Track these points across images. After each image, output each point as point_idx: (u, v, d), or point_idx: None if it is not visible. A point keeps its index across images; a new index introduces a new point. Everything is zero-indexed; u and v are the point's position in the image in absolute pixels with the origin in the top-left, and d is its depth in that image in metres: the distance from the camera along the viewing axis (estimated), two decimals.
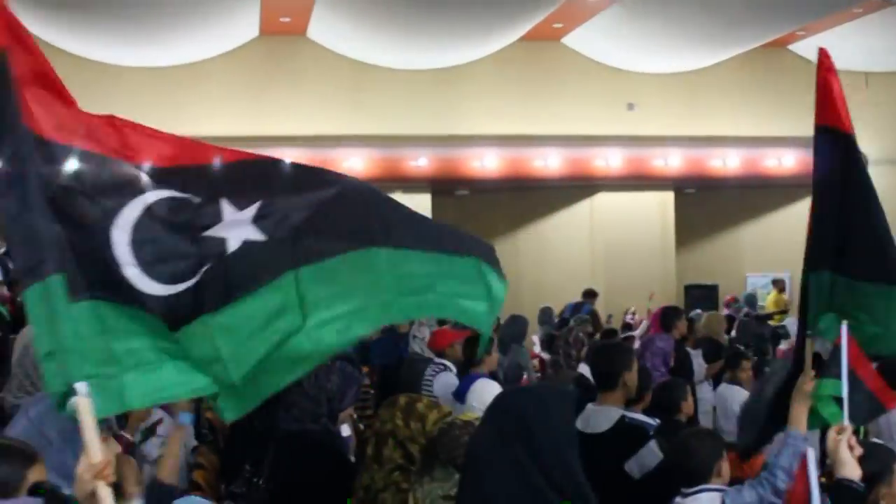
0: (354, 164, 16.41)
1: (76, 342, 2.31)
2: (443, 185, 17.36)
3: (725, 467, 3.89)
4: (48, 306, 2.32)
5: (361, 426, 5.87)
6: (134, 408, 2.67)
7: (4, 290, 11.33)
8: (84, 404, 2.22)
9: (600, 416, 4.53)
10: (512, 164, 17.02)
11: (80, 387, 2.25)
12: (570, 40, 17.47)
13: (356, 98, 16.71)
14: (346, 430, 4.98)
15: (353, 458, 4.89)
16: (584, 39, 17.19)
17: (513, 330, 9.18)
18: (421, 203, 17.35)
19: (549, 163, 17.00)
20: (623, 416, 4.51)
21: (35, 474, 1.97)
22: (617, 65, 17.70)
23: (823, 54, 3.60)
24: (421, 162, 16.62)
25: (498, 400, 2.71)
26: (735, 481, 3.95)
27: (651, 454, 4.30)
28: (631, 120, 17.67)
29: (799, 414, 3.65)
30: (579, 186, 17.82)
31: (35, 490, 1.54)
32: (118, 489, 3.39)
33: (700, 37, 16.40)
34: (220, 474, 6.01)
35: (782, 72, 18.25)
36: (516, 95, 17.27)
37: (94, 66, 15.78)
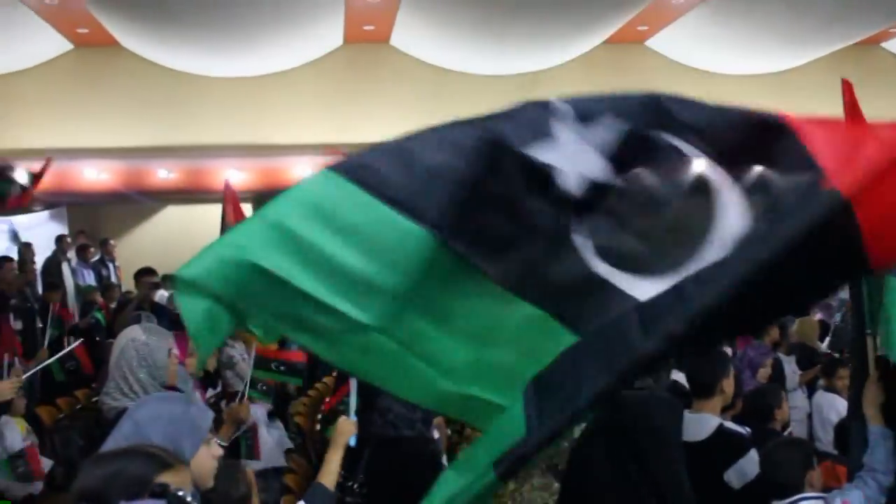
0: None
1: None
2: None
3: (817, 477, 3.79)
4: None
5: (449, 431, 5.85)
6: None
7: (98, 297, 11.64)
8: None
9: (698, 425, 4.43)
10: None
11: None
12: (654, 43, 17.26)
13: (440, 104, 16.73)
14: (435, 435, 4.98)
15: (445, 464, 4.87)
16: (670, 41, 16.98)
17: None
18: None
19: None
20: (721, 425, 4.41)
21: (166, 479, 1.99)
22: (703, 66, 17.42)
23: None
24: None
25: (608, 414, 2.65)
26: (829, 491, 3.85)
27: (751, 464, 4.19)
28: None
29: (873, 412, 3.54)
30: None
31: (160, 492, 1.54)
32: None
33: (788, 36, 16.06)
34: (312, 478, 6.07)
35: (874, 71, 17.72)
36: None
37: (183, 76, 16.10)
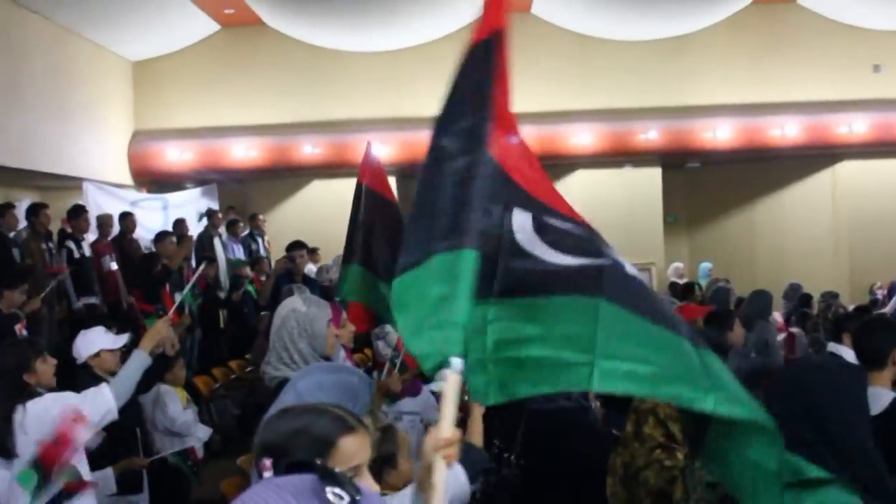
0: (583, 139, 16.24)
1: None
2: (673, 158, 16.91)
3: None
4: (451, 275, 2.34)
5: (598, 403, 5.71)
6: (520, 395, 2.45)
7: (248, 271, 11.91)
8: (454, 379, 2.22)
9: (871, 398, 4.17)
10: (746, 133, 16.32)
11: (456, 362, 2.23)
12: (806, 0, 16.52)
13: (583, 73, 16.48)
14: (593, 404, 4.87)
15: None
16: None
17: (758, 305, 8.75)
18: (651, 177, 16.96)
19: (786, 131, 16.18)
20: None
21: (348, 442, 1.96)
22: (859, 23, 16.57)
23: None
24: (651, 135, 16.22)
25: (782, 376, 2.50)
26: None
27: None
28: (877, 82, 16.51)
29: None
30: (820, 155, 16.89)
31: (308, 466, 1.48)
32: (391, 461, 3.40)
33: None
34: None
35: (792, 29, 16.69)
36: (750, 62, 16.50)
37: (326, 53, 16.28)
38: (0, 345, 4.82)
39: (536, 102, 16.11)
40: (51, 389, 4.66)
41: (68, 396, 4.27)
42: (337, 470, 1.44)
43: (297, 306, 3.95)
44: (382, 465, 3.28)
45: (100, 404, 4.25)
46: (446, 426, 2.16)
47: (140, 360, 4.46)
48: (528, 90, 16.33)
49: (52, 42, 13.98)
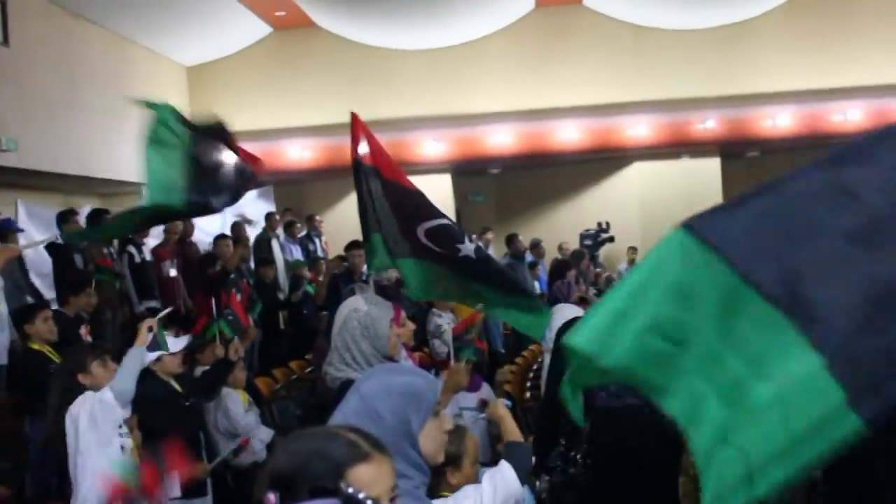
0: (640, 130, 16.07)
1: None
2: (732, 148, 16.66)
3: None
4: None
5: None
6: None
7: (306, 271, 11.92)
8: None
9: None
10: (807, 120, 16.02)
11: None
12: None
13: (638, 63, 16.28)
14: None
15: None
16: None
17: None
18: (710, 167, 16.72)
19: (848, 116, 15.86)
20: None
21: (362, 471, 1.85)
22: None
23: None
24: (708, 124, 16.00)
25: None
26: None
27: None
28: None
29: None
30: None
31: (333, 491, 1.41)
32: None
33: None
34: (533, 446, 5.95)
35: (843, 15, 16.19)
36: (810, 47, 16.17)
37: (378, 52, 16.30)
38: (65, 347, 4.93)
39: (591, 95, 15.98)
40: None
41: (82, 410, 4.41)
42: (362, 496, 1.36)
43: (358, 306, 3.89)
44: (446, 466, 3.21)
45: (107, 411, 4.37)
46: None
47: (136, 355, 4.48)
48: (582, 83, 16.20)
49: (110, 51, 14.16)
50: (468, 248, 5.19)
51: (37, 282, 11.30)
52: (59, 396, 4.50)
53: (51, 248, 9.67)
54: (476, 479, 3.20)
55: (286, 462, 1.84)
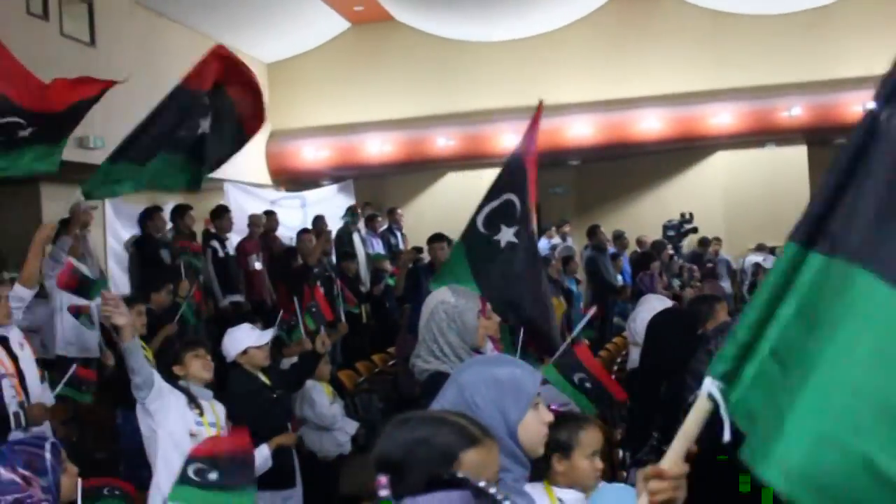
0: (723, 119, 15.79)
1: None
2: (819, 135, 16.22)
3: None
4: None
5: None
6: None
7: (388, 265, 11.95)
8: (703, 406, 1.74)
9: None
10: None
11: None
12: None
13: (719, 50, 15.99)
14: None
15: None
16: None
17: None
18: (796, 155, 16.35)
19: None
20: None
21: (471, 456, 1.80)
22: None
23: None
24: (794, 111, 15.61)
25: None
26: None
27: None
28: None
29: None
30: None
31: (459, 483, 1.36)
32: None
33: None
34: (623, 442, 5.87)
35: None
36: None
37: (455, 45, 16.27)
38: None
39: (672, 83, 15.74)
40: (206, 385, 4.79)
41: None
42: (493, 489, 1.31)
43: (445, 297, 3.86)
44: (553, 452, 3.12)
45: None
46: (671, 457, 1.80)
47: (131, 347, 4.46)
48: (662, 71, 15.97)
49: (192, 49, 14.25)
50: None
51: (122, 278, 11.56)
52: None
53: (137, 242, 9.84)
54: (589, 475, 3.08)
55: (394, 449, 1.82)
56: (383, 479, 1.49)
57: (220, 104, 5.32)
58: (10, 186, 12.22)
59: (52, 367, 7.78)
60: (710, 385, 1.70)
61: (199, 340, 5.03)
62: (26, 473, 3.15)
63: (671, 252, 14.08)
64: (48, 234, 5.61)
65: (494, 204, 5.02)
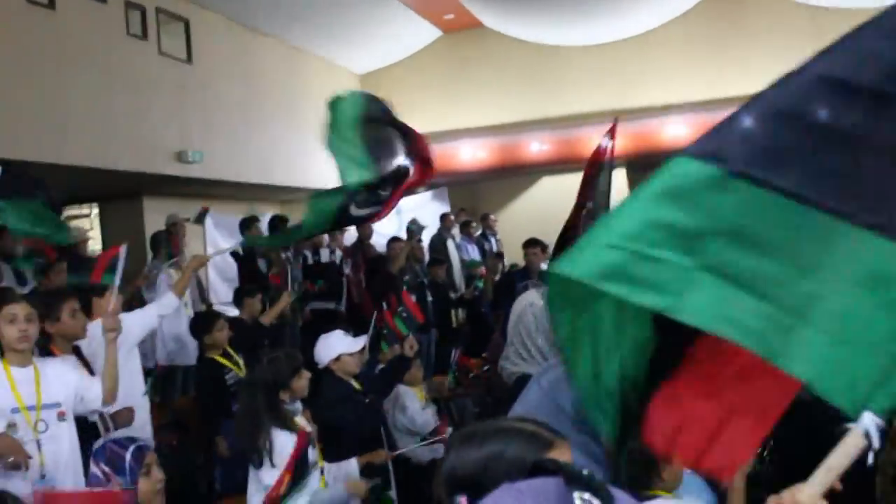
0: None
1: None
2: None
3: None
4: None
5: None
6: None
7: (483, 271, 11.95)
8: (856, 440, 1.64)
9: None
10: None
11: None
12: None
13: (822, 45, 15.54)
14: None
15: None
16: None
17: None
18: None
19: None
20: None
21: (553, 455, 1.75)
22: None
23: None
24: None
25: None
26: None
27: None
28: None
29: None
30: None
31: (553, 469, 1.32)
32: None
33: None
34: None
35: None
36: None
37: (547, 49, 16.19)
38: (263, 358, 4.99)
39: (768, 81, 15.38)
40: (302, 400, 4.81)
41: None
42: (585, 472, 1.28)
43: (533, 300, 3.84)
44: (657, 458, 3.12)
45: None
46: (811, 492, 1.68)
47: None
48: (760, 69, 15.48)
49: (285, 61, 14.60)
50: None
51: (221, 287, 11.81)
52: (262, 411, 4.55)
53: (236, 253, 10.04)
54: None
55: (467, 466, 1.77)
56: (463, 499, 1.46)
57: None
58: (115, 202, 12.63)
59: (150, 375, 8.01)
60: (869, 422, 1.63)
61: (298, 359, 4.97)
62: (107, 470, 3.25)
63: None
64: (202, 262, 6.28)
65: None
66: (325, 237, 11.04)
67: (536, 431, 1.82)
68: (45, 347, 4.77)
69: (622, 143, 15.96)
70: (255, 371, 4.85)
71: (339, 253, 10.88)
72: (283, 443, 4.42)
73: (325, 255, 10.88)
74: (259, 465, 4.40)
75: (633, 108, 15.58)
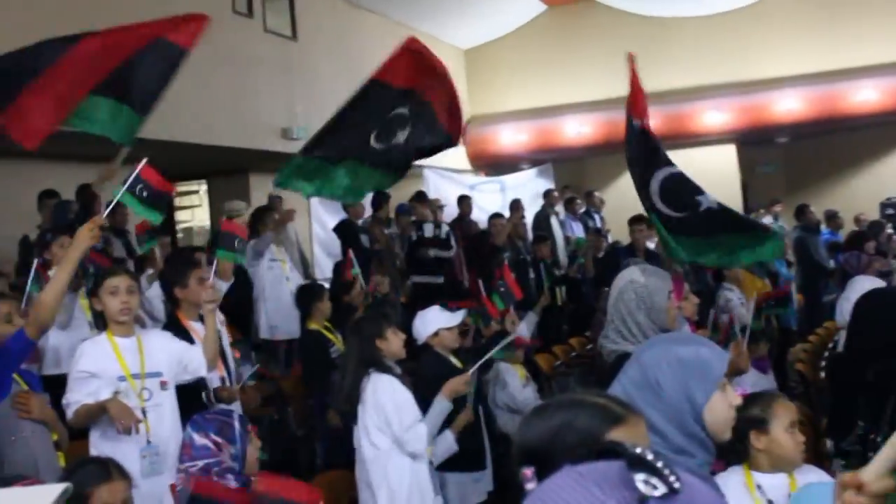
0: None
1: None
2: None
3: None
4: None
5: None
6: None
7: (585, 248, 11.80)
8: None
9: None
10: None
11: None
12: None
13: None
14: None
15: None
16: None
17: None
18: None
19: None
20: None
21: (617, 435, 1.68)
22: None
23: None
24: None
25: None
26: None
27: None
28: None
29: None
30: None
31: (615, 451, 1.25)
32: None
33: None
34: (827, 430, 5.52)
35: None
36: None
37: (655, 21, 15.93)
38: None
39: (889, 52, 14.77)
40: (400, 363, 4.83)
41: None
42: (650, 455, 1.19)
43: (634, 277, 3.71)
44: (749, 430, 3.16)
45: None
46: (875, 469, 1.60)
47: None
48: (878, 39, 14.97)
49: (389, 38, 14.49)
50: (709, 199, 5.51)
51: (325, 262, 11.94)
52: (359, 362, 4.62)
53: (339, 228, 10.13)
54: (791, 448, 3.17)
55: (535, 438, 1.71)
56: (528, 471, 1.40)
57: (420, 111, 5.48)
58: (222, 178, 12.86)
59: (258, 350, 8.13)
60: None
61: (392, 316, 5.03)
62: (218, 440, 3.28)
63: (890, 232, 13.22)
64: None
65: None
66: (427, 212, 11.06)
67: (607, 405, 1.75)
68: (172, 314, 5.04)
69: (733, 117, 15.62)
70: (353, 327, 4.91)
71: (444, 227, 10.87)
72: (384, 386, 4.49)
73: (428, 230, 10.89)
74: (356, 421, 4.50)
75: (744, 82, 15.17)
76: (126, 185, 4.34)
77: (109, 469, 3.01)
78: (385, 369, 4.62)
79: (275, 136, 11.63)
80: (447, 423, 4.85)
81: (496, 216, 11.17)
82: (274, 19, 12.09)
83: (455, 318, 5.40)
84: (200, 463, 3.27)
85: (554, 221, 12.92)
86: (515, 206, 12.42)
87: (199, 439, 3.32)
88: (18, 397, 3.97)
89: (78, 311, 5.83)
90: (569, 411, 1.73)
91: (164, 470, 4.05)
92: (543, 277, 10.53)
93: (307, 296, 6.86)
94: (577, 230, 13.24)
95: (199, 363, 4.42)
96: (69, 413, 4.06)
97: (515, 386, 6.45)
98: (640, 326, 3.65)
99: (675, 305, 3.83)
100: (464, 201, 12.26)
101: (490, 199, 14.59)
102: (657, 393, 2.18)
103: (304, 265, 10.45)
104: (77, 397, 4.05)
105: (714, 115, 15.78)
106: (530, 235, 12.16)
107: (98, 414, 4.00)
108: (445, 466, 4.92)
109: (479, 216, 12.68)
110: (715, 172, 15.74)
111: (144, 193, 4.37)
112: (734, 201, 15.83)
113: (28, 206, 8.34)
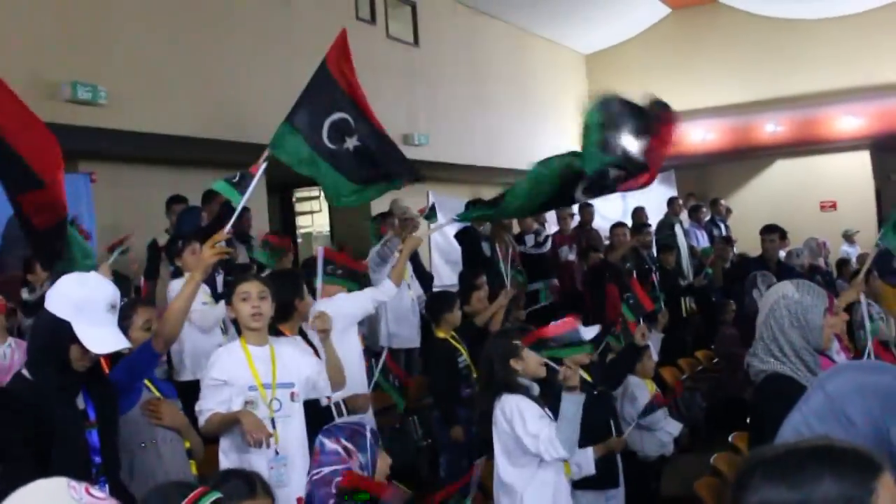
0: None
1: None
2: None
3: None
4: None
5: None
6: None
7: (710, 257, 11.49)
8: None
9: None
10: None
11: None
12: None
13: None
14: None
15: None
16: None
17: None
18: None
19: None
20: None
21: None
22: None
23: None
24: None
25: None
26: None
27: None
28: None
29: None
30: None
31: None
32: None
33: None
34: None
35: None
36: None
37: (785, 24, 15.47)
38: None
39: None
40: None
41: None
42: None
43: (787, 292, 3.48)
44: None
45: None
46: None
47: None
48: None
49: (511, 43, 14.51)
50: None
51: (444, 269, 11.87)
52: (486, 387, 4.49)
53: (460, 235, 10.04)
54: None
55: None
56: None
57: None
58: None
59: (377, 357, 8.08)
60: None
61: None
62: (349, 445, 3.24)
63: None
64: (415, 244, 6.14)
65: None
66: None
67: (864, 453, 1.48)
68: (272, 326, 4.81)
69: (867, 123, 15.00)
70: (487, 345, 4.74)
71: (543, 233, 10.78)
72: (511, 407, 4.31)
73: (529, 241, 10.78)
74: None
75: (878, 85, 14.55)
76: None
77: (255, 485, 2.94)
78: (516, 389, 4.44)
79: (396, 142, 11.62)
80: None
81: (618, 225, 10.94)
82: (396, 26, 12.11)
83: (589, 333, 5.22)
84: (326, 470, 3.21)
85: (678, 230, 12.59)
86: (638, 217, 12.15)
87: (329, 444, 3.29)
88: (149, 404, 3.96)
89: None
90: (818, 468, 1.44)
91: (291, 482, 4.00)
92: (657, 290, 10.16)
93: (439, 303, 6.64)
94: (703, 239, 12.89)
95: (325, 384, 4.37)
96: (201, 420, 4.06)
97: (644, 397, 6.23)
98: (794, 345, 3.42)
99: (830, 324, 3.59)
100: (585, 209, 12.03)
101: (611, 206, 14.32)
102: (845, 426, 1.96)
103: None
104: (209, 405, 4.04)
105: (847, 121, 15.19)
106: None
107: (231, 424, 3.99)
108: (578, 484, 4.75)
109: (601, 224, 12.44)
110: (848, 179, 15.14)
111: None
112: (868, 209, 15.20)
113: (157, 209, 8.48)
